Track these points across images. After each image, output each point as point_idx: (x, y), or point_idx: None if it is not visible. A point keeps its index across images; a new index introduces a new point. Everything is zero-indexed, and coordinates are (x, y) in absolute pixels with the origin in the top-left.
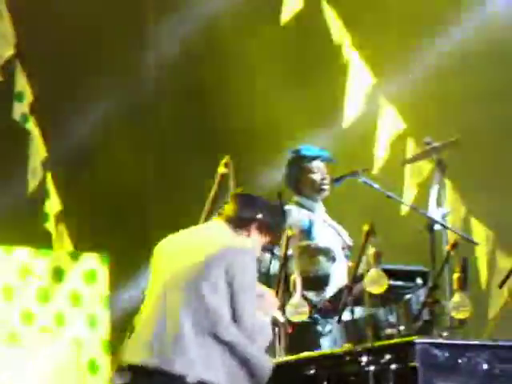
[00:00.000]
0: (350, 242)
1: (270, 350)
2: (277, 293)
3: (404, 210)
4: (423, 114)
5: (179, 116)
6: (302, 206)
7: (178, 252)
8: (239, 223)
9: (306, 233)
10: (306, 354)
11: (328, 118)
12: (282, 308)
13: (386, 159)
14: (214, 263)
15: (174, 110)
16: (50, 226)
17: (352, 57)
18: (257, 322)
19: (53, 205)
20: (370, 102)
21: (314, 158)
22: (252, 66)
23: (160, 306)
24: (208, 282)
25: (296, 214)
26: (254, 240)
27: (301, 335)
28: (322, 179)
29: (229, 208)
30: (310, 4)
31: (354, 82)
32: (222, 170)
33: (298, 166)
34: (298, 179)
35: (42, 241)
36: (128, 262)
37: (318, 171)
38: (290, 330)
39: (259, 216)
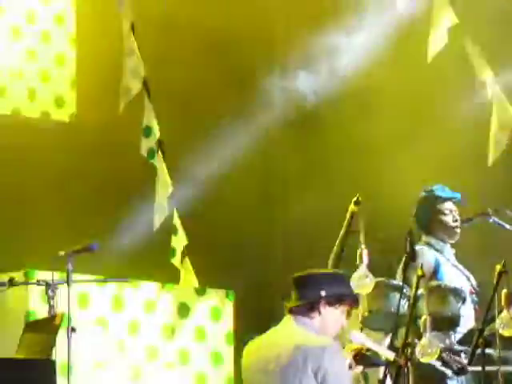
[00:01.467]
0: (477, 286)
1: None
2: (406, 333)
3: None
4: None
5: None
6: (431, 246)
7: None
8: (308, 309)
9: (434, 273)
10: None
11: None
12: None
13: None
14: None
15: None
16: (177, 261)
17: (495, 90)
18: None
19: (179, 240)
20: None
21: (447, 200)
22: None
23: None
24: None
25: (426, 254)
26: (329, 317)
27: (428, 376)
28: (455, 221)
29: (292, 298)
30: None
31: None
32: (352, 208)
33: (431, 206)
34: (430, 219)
35: (169, 276)
36: (252, 299)
37: (450, 213)
38: (403, 362)
39: (323, 293)
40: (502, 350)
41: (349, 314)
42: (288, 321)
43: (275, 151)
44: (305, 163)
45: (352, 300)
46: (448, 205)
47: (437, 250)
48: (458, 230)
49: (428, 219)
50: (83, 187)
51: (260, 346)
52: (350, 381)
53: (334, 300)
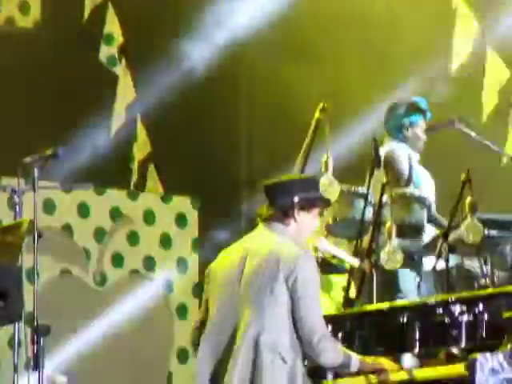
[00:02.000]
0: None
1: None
2: (371, 240)
3: (504, 160)
4: None
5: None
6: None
7: (229, 280)
8: (282, 216)
9: (409, 177)
10: (399, 301)
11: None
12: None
13: (492, 107)
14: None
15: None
16: (139, 168)
17: (459, 3)
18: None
19: (142, 147)
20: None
21: (424, 113)
22: None
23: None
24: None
25: (400, 156)
26: (304, 222)
27: (392, 282)
28: (423, 134)
29: (265, 207)
30: None
31: (461, 28)
32: (318, 114)
33: (405, 116)
34: (402, 128)
35: (134, 184)
36: (218, 205)
37: (423, 125)
38: (368, 270)
39: (296, 199)
40: (464, 256)
41: (321, 215)
42: (262, 228)
43: (242, 56)
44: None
45: (324, 202)
46: (422, 120)
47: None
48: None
49: (400, 128)
50: (47, 94)
51: (233, 253)
52: (318, 289)
53: (307, 204)
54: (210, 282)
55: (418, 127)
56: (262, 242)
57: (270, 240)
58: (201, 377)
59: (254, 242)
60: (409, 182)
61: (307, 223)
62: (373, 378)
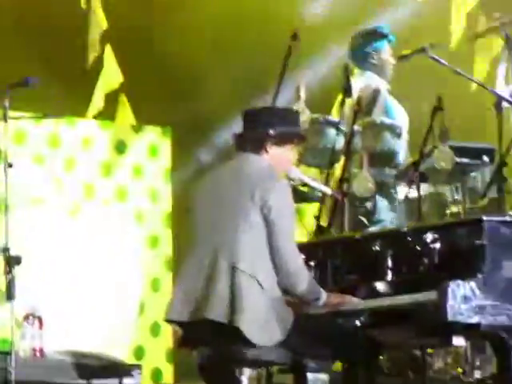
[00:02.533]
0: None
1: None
2: (343, 168)
3: (473, 86)
4: None
5: None
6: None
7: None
8: (253, 146)
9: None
10: (371, 230)
11: None
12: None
13: (459, 35)
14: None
15: None
16: (110, 98)
17: None
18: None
19: (113, 77)
20: None
21: (387, 37)
22: None
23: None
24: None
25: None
26: (276, 156)
27: (363, 211)
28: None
29: (241, 134)
30: None
31: None
32: (290, 42)
33: (375, 42)
34: (372, 57)
35: (105, 114)
36: (189, 136)
37: (389, 51)
38: (340, 197)
39: (271, 132)
40: (436, 184)
41: (296, 150)
42: (239, 156)
43: None
44: None
45: (299, 138)
46: (387, 46)
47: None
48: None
49: (366, 57)
50: (18, 27)
51: (209, 180)
52: (293, 219)
53: (280, 140)
54: (191, 211)
55: (384, 52)
56: (237, 170)
57: (245, 168)
58: (174, 308)
59: (229, 170)
60: (382, 112)
61: (278, 156)
62: None
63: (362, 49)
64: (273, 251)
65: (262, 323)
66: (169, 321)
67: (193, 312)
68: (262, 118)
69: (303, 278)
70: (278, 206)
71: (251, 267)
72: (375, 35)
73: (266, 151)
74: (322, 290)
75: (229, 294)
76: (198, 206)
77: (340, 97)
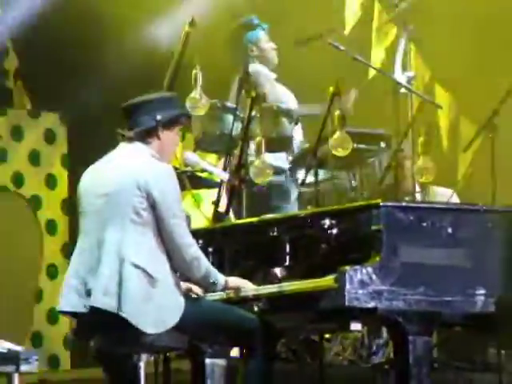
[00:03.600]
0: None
1: (234, 211)
2: (240, 154)
3: (371, 73)
4: None
5: None
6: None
7: (97, 194)
8: (145, 135)
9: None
10: (268, 216)
11: None
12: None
13: (356, 22)
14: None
15: None
16: (10, 83)
17: None
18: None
19: (10, 62)
20: None
21: (261, 27)
22: None
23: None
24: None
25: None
26: (167, 140)
27: (263, 197)
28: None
29: (127, 126)
30: None
31: None
32: (187, 28)
33: (249, 34)
34: (251, 49)
35: (1, 99)
36: (86, 123)
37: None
38: (237, 182)
39: (159, 117)
40: (334, 170)
41: (182, 131)
42: (123, 147)
43: None
44: None
45: (185, 119)
46: (258, 32)
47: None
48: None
49: (246, 50)
50: None
51: (95, 172)
52: (180, 204)
53: (170, 122)
54: (78, 202)
55: (261, 41)
56: (122, 161)
57: (130, 159)
58: (65, 299)
59: (115, 162)
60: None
61: (169, 140)
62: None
63: (239, 44)
64: (165, 239)
65: (150, 312)
66: (62, 312)
67: (83, 302)
68: (146, 107)
69: (197, 264)
70: (164, 194)
71: (139, 259)
72: (246, 28)
73: (158, 137)
74: (219, 275)
75: (116, 285)
76: (82, 198)
77: (237, 82)
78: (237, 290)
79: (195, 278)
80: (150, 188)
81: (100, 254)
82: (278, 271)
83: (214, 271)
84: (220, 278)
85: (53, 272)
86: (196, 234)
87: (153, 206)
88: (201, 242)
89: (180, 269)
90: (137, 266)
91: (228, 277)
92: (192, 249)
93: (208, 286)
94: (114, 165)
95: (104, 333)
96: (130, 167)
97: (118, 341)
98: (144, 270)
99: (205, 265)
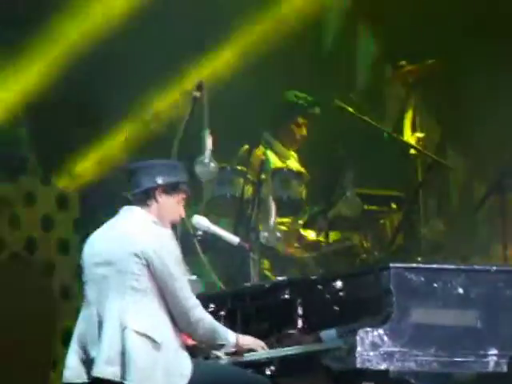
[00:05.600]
0: None
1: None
2: (250, 217)
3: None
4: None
5: None
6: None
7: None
8: (143, 197)
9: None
10: (280, 278)
11: None
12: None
13: (367, 83)
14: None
15: None
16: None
17: None
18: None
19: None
20: None
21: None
22: None
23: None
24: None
25: None
26: (166, 205)
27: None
28: None
29: (128, 187)
30: None
31: None
32: (195, 92)
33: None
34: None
35: None
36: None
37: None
38: (248, 246)
39: (160, 181)
40: (344, 231)
41: (186, 203)
42: (124, 212)
43: None
44: None
45: (186, 188)
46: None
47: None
48: None
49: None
50: None
51: (96, 240)
52: (181, 267)
53: (170, 188)
54: (81, 271)
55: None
56: (121, 228)
57: (129, 226)
58: (70, 371)
59: (114, 229)
60: None
61: (169, 207)
62: None
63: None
64: (170, 303)
65: (158, 377)
66: None
67: (86, 372)
68: (148, 170)
69: (203, 325)
70: (163, 259)
71: (141, 325)
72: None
73: (156, 200)
74: (230, 333)
75: (119, 354)
76: (85, 265)
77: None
78: (248, 350)
79: (202, 339)
80: (148, 254)
81: (101, 322)
82: (290, 334)
83: (222, 331)
84: (230, 337)
85: (68, 337)
86: (208, 298)
87: (153, 272)
88: (212, 305)
89: (185, 330)
90: (139, 333)
91: (240, 334)
92: (196, 310)
93: (217, 347)
94: (113, 232)
95: None
96: (128, 234)
97: None
98: (147, 336)
99: (211, 325)
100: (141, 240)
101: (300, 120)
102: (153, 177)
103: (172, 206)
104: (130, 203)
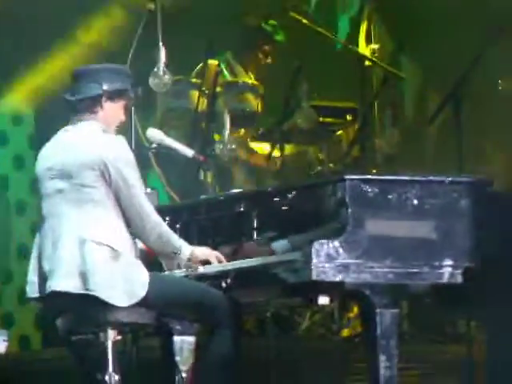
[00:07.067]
0: None
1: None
2: (205, 129)
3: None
4: None
5: None
6: None
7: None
8: (89, 104)
9: None
10: (235, 191)
11: None
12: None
13: None
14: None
15: None
16: None
17: None
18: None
19: None
20: None
21: None
22: None
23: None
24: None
25: None
26: (110, 112)
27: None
28: None
29: (73, 92)
30: None
31: None
32: (149, 4)
33: None
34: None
35: None
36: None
37: None
38: (202, 159)
39: (105, 87)
40: (299, 143)
41: (126, 109)
42: (72, 122)
43: None
44: None
45: (130, 94)
46: None
47: None
48: None
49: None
50: None
51: (47, 153)
52: (137, 173)
53: (115, 95)
54: (37, 186)
55: None
56: (72, 138)
57: (80, 136)
58: (30, 286)
59: (64, 140)
60: None
61: (113, 113)
62: None
63: None
64: (125, 209)
65: (119, 285)
66: (29, 299)
67: (47, 285)
68: (93, 76)
69: (159, 232)
70: (117, 166)
71: (100, 236)
72: None
73: (102, 107)
74: (185, 245)
75: (80, 266)
76: (40, 180)
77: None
78: (204, 262)
79: (156, 247)
80: (102, 163)
81: (58, 236)
82: (245, 246)
83: (177, 239)
84: (184, 246)
85: (23, 252)
86: (163, 210)
87: (108, 180)
88: (167, 218)
89: (140, 238)
90: (98, 243)
91: (195, 246)
92: (152, 217)
93: (171, 255)
94: (64, 144)
95: (69, 314)
96: (79, 145)
97: (84, 320)
98: (106, 245)
99: (166, 233)
100: (93, 150)
101: (266, 48)
102: (99, 83)
103: (116, 112)
104: (72, 108)
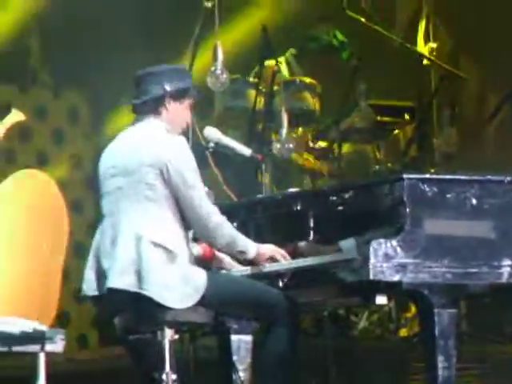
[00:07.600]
0: None
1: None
2: (263, 128)
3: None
4: None
5: None
6: None
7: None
8: (154, 105)
9: None
10: (292, 190)
11: None
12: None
13: None
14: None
15: None
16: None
17: None
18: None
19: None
20: None
21: None
22: None
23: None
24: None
25: None
26: (175, 112)
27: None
28: None
29: (135, 95)
30: None
31: None
32: (206, 3)
33: None
34: None
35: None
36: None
37: None
38: (260, 158)
39: (167, 87)
40: (357, 143)
41: (192, 109)
42: (137, 122)
43: None
44: None
45: (195, 93)
46: None
47: None
48: None
49: None
50: None
51: (110, 152)
52: (196, 172)
53: (179, 94)
54: (98, 184)
55: None
56: (134, 138)
57: (142, 135)
58: (87, 284)
59: (127, 140)
60: None
61: (179, 114)
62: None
63: None
64: (185, 211)
65: (175, 287)
66: (85, 297)
67: (103, 284)
68: (156, 77)
69: (221, 231)
70: (177, 166)
71: (157, 236)
72: None
73: (166, 108)
74: (249, 243)
75: (135, 264)
76: (101, 178)
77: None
78: (269, 259)
79: (221, 246)
80: (163, 163)
81: (116, 233)
82: (302, 246)
83: (242, 238)
84: (250, 244)
85: (81, 251)
86: (219, 209)
87: (168, 181)
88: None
89: (205, 240)
90: (155, 244)
91: (260, 244)
92: (214, 216)
93: (236, 254)
94: (127, 143)
95: (126, 313)
96: (142, 144)
97: (141, 319)
98: (163, 247)
99: (230, 232)
100: (154, 149)
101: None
102: (161, 83)
103: (181, 112)
104: (136, 111)
